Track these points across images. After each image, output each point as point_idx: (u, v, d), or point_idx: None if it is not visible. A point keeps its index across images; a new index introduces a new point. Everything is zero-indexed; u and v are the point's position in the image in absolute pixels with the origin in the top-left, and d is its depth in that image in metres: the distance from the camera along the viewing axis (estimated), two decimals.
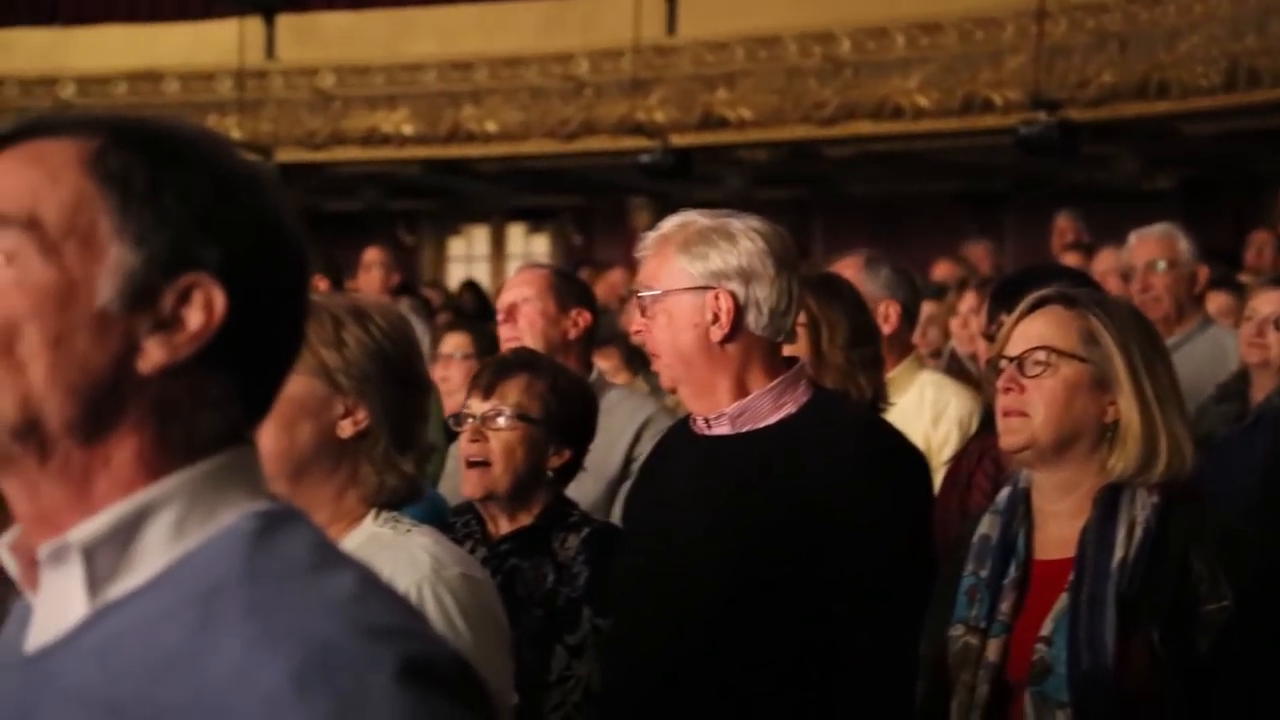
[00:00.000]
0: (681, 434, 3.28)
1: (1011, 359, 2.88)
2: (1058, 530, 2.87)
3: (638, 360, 6.61)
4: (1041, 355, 2.86)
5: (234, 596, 1.23)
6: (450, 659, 1.23)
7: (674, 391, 3.25)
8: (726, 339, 3.12)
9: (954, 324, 6.68)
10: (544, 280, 4.63)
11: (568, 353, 4.46)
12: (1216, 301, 6.88)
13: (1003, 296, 4.01)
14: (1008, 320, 2.98)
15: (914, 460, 3.25)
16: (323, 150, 17.08)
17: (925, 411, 4.75)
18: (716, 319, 3.11)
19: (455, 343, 5.80)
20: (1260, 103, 12.73)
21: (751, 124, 15.44)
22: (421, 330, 7.08)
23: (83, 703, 1.24)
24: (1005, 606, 2.83)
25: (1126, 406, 2.83)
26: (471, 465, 3.55)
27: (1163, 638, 2.72)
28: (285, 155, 16.17)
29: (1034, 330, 2.89)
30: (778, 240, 3.15)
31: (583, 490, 3.76)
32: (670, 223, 3.18)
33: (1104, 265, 7.55)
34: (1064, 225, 10.79)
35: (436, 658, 1.22)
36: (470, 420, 3.57)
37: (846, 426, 3.15)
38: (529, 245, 20.75)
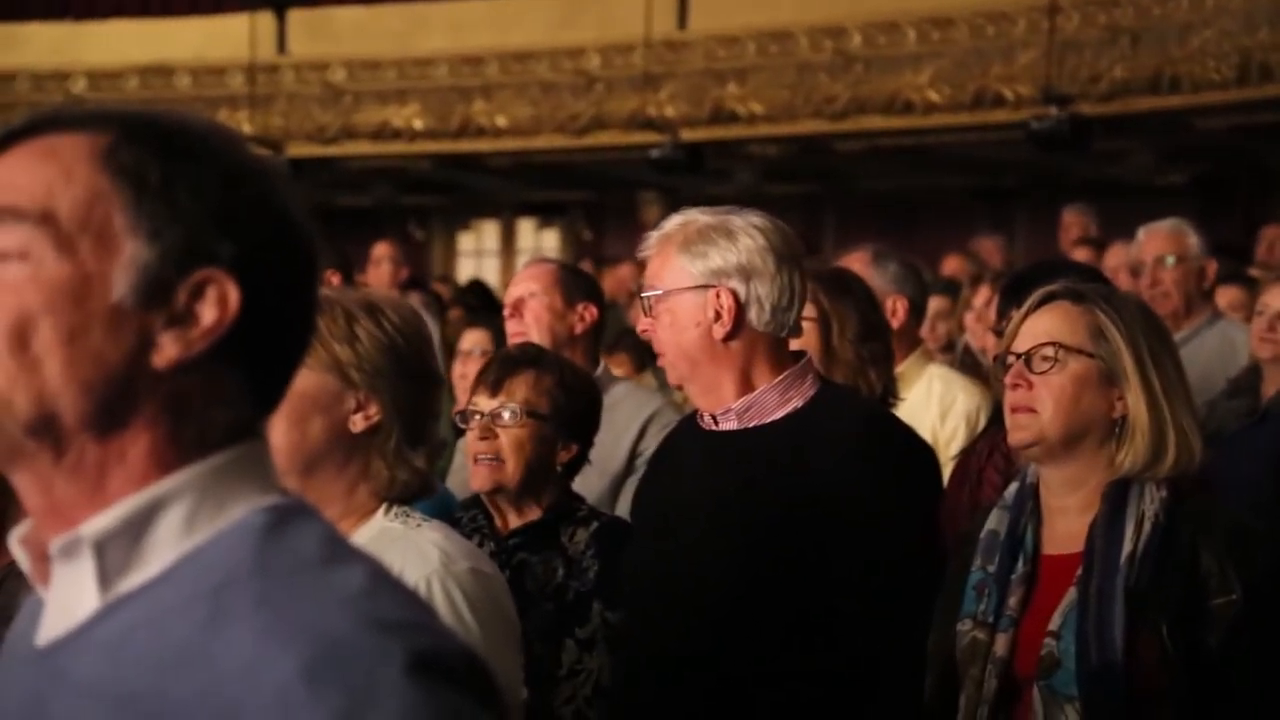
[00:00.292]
0: (689, 430, 3.29)
1: (1019, 355, 2.89)
2: (1066, 525, 2.87)
3: (647, 356, 6.62)
4: (1049, 351, 2.86)
5: (244, 590, 1.24)
6: (460, 653, 1.24)
7: (682, 389, 3.26)
8: (729, 336, 3.13)
9: (968, 318, 6.67)
10: (551, 275, 4.64)
11: (574, 347, 4.47)
12: (1227, 296, 6.87)
13: (1012, 292, 4.01)
14: (1015, 316, 2.98)
15: (922, 454, 3.25)
16: (334, 145, 17.10)
17: (933, 406, 4.75)
18: (719, 317, 3.12)
19: (474, 339, 5.80)
20: (1272, 97, 12.70)
21: (762, 119, 15.44)
22: (432, 325, 7.08)
23: (94, 696, 1.25)
24: (1013, 601, 2.83)
25: (1134, 401, 2.83)
26: (480, 462, 3.55)
27: (1171, 632, 2.72)
28: (296, 150, 16.19)
29: (1041, 326, 2.89)
30: (778, 236, 3.16)
31: (587, 485, 3.76)
32: (672, 222, 3.19)
33: (1115, 260, 7.54)
34: (1072, 220, 10.77)
35: (446, 651, 1.23)
36: (478, 417, 3.57)
37: (853, 420, 3.16)
38: (539, 240, 20.75)
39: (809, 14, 15.29)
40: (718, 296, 3.12)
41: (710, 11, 15.87)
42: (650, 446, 4.39)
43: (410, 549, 2.51)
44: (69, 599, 1.29)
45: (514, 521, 3.56)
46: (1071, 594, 2.78)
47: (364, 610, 1.22)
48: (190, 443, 1.30)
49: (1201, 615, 2.73)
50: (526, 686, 2.87)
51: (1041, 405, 2.85)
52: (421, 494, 2.61)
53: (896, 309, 4.88)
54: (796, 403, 3.15)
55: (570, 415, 3.58)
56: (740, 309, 3.12)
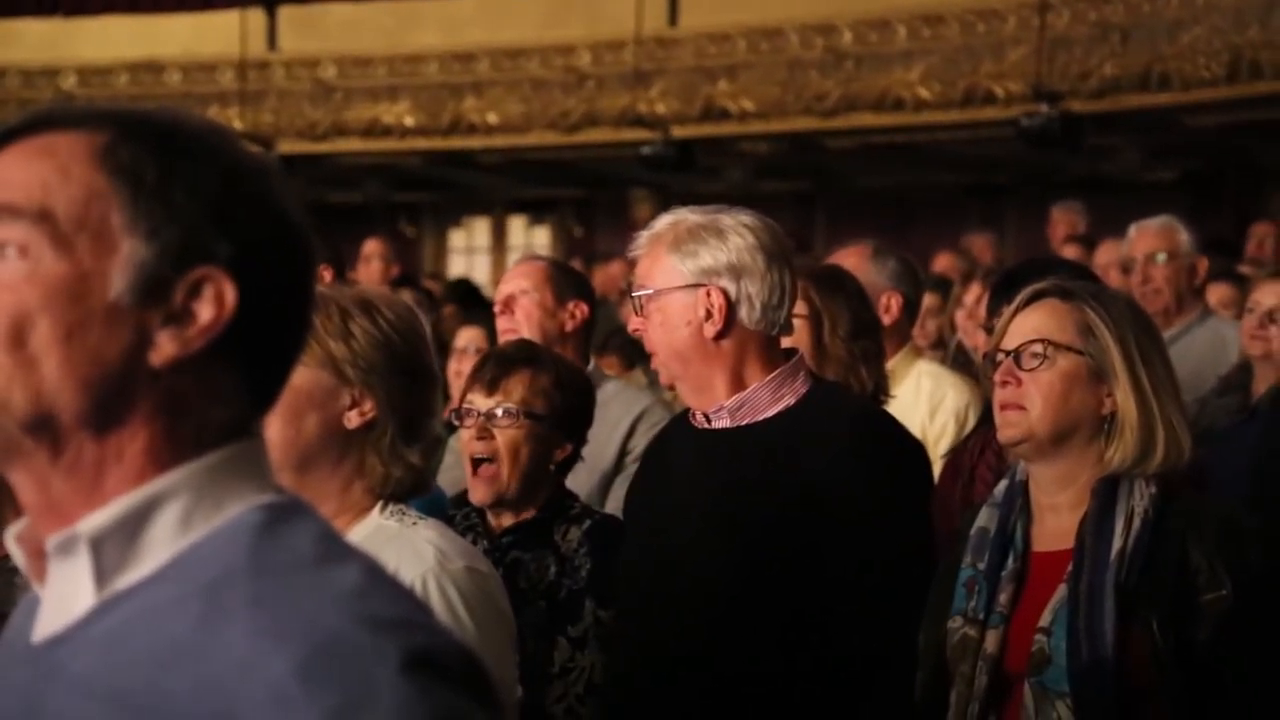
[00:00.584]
0: (681, 428, 3.29)
1: (1008, 352, 2.89)
2: (1056, 522, 2.88)
3: (635, 354, 6.62)
4: (1038, 348, 2.87)
5: (240, 588, 1.24)
6: (455, 651, 1.24)
7: (673, 388, 3.27)
8: (720, 335, 3.13)
9: (959, 315, 6.68)
10: (542, 272, 4.64)
11: (565, 344, 4.47)
12: (1217, 293, 6.88)
13: (1003, 290, 4.02)
14: (1005, 313, 2.99)
15: (914, 452, 3.26)
16: (324, 142, 17.09)
17: (922, 403, 4.75)
18: (709, 315, 3.13)
19: (469, 336, 5.80)
20: (1262, 95, 12.72)
21: (753, 116, 15.44)
22: (424, 322, 7.07)
23: (89, 693, 1.25)
24: (1003, 598, 2.84)
25: (1123, 398, 2.84)
26: (476, 463, 3.54)
27: (1161, 628, 2.72)
28: (287, 146, 16.18)
29: (1030, 323, 2.90)
30: (768, 234, 3.17)
31: (576, 482, 3.76)
32: (662, 221, 3.20)
33: (1106, 257, 7.55)
34: (1061, 217, 10.78)
35: (442, 650, 1.23)
36: (475, 416, 3.57)
37: (846, 418, 3.16)
38: (530, 237, 20.74)
39: (800, 11, 15.30)
40: (708, 295, 3.13)
41: (701, 8, 15.87)
42: (640, 445, 4.40)
43: (406, 547, 2.51)
44: (65, 596, 1.30)
45: (508, 520, 3.55)
46: (1062, 590, 2.78)
47: (359, 608, 1.22)
48: (187, 441, 1.30)
49: (1192, 611, 2.74)
50: (519, 684, 2.87)
51: (1030, 402, 2.85)
52: (416, 491, 2.61)
53: (891, 305, 4.89)
54: (789, 400, 3.16)
55: (566, 414, 3.58)
56: (731, 307, 3.13)
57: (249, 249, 1.31)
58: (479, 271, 19.46)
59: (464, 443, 3.57)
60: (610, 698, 3.33)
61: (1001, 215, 17.13)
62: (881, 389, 4.05)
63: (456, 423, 3.63)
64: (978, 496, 3.65)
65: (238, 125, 16.02)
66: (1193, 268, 6.07)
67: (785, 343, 3.24)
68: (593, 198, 19.81)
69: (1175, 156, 15.99)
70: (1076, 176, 15.75)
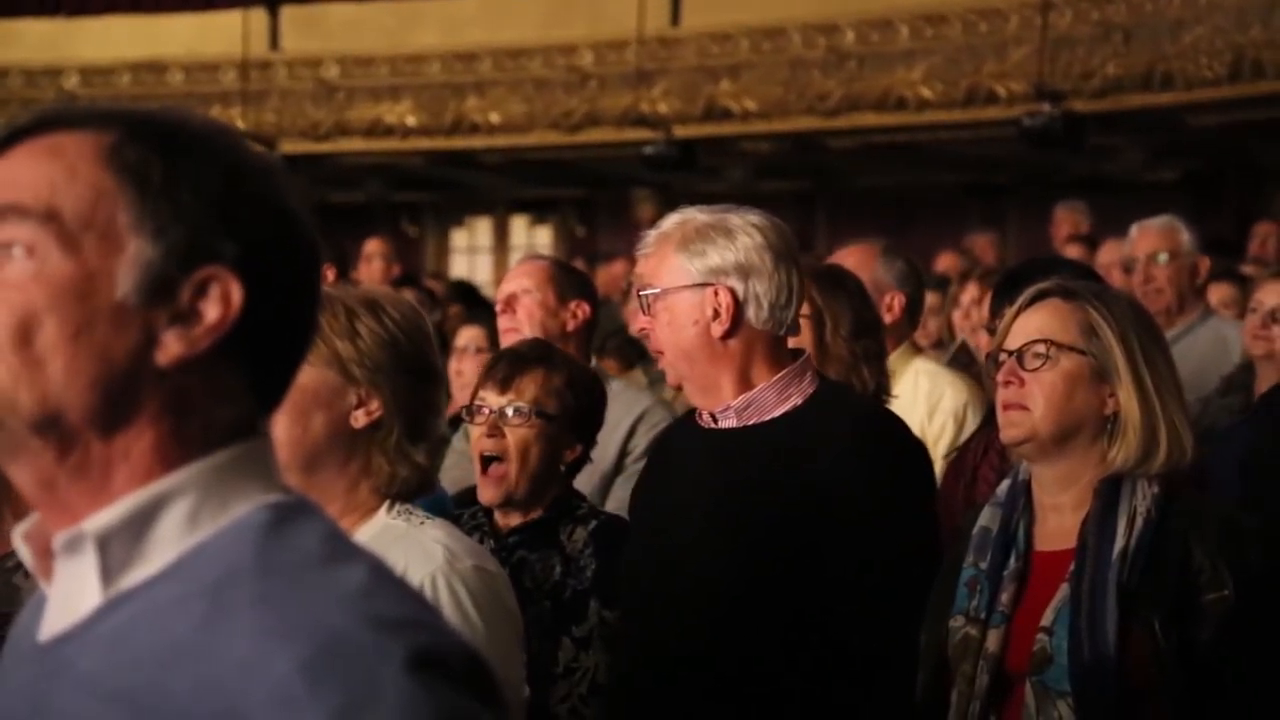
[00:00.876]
0: (687, 428, 3.29)
1: (1011, 352, 2.90)
2: (1058, 522, 2.88)
3: (634, 353, 6.62)
4: (1041, 348, 2.87)
5: (245, 587, 1.24)
6: (461, 651, 1.24)
7: (679, 388, 3.26)
8: (728, 334, 3.13)
9: (956, 316, 6.68)
10: (543, 272, 4.64)
11: (566, 344, 4.47)
12: (1219, 293, 6.88)
13: (1005, 290, 4.02)
14: (1007, 313, 2.99)
15: (918, 451, 3.26)
16: (326, 141, 17.08)
17: (920, 403, 4.75)
18: (717, 315, 3.13)
19: (469, 336, 5.81)
20: (1265, 94, 12.71)
21: (755, 115, 15.44)
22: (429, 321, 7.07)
23: (95, 691, 1.25)
24: (1005, 597, 2.84)
25: (1126, 398, 2.84)
26: (485, 461, 3.54)
27: (1163, 628, 2.72)
28: (289, 146, 16.18)
29: (1033, 323, 2.90)
30: (776, 234, 3.17)
31: (576, 483, 3.77)
32: (670, 221, 3.20)
33: (1108, 257, 7.56)
34: (1064, 217, 10.79)
35: (447, 650, 1.23)
36: (487, 414, 3.57)
37: (853, 418, 3.16)
38: (532, 237, 20.73)
39: (802, 10, 15.29)
40: (716, 295, 3.13)
41: (703, 8, 15.86)
42: (640, 445, 4.40)
43: (414, 546, 2.51)
44: (71, 594, 1.30)
45: (515, 519, 3.55)
46: (1064, 590, 2.79)
47: (364, 608, 1.22)
48: (193, 440, 1.30)
49: (1193, 611, 2.74)
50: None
51: (1033, 402, 2.86)
52: (422, 490, 2.61)
53: (894, 304, 4.89)
54: (796, 400, 3.15)
55: (577, 415, 3.57)
56: (739, 307, 3.13)
57: (255, 248, 1.31)
58: (481, 271, 19.47)
59: (474, 440, 3.57)
60: (613, 697, 3.33)
61: (1003, 215, 17.12)
62: (883, 389, 4.05)
63: (467, 420, 3.63)
64: (980, 497, 3.66)
65: (240, 125, 16.01)
66: (1194, 267, 6.07)
67: (790, 343, 3.25)
68: (595, 197, 19.80)
69: (1177, 156, 15.98)
70: (1078, 176, 15.74)
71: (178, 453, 1.30)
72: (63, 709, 1.27)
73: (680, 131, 15.17)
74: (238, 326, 1.30)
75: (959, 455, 4.17)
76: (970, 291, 6.50)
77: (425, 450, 2.60)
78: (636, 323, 3.25)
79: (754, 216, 3.17)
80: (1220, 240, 9.58)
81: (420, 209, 20.78)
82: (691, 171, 15.20)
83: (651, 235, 3.21)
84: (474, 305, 9.32)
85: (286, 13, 17.59)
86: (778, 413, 3.14)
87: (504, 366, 3.59)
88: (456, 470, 4.21)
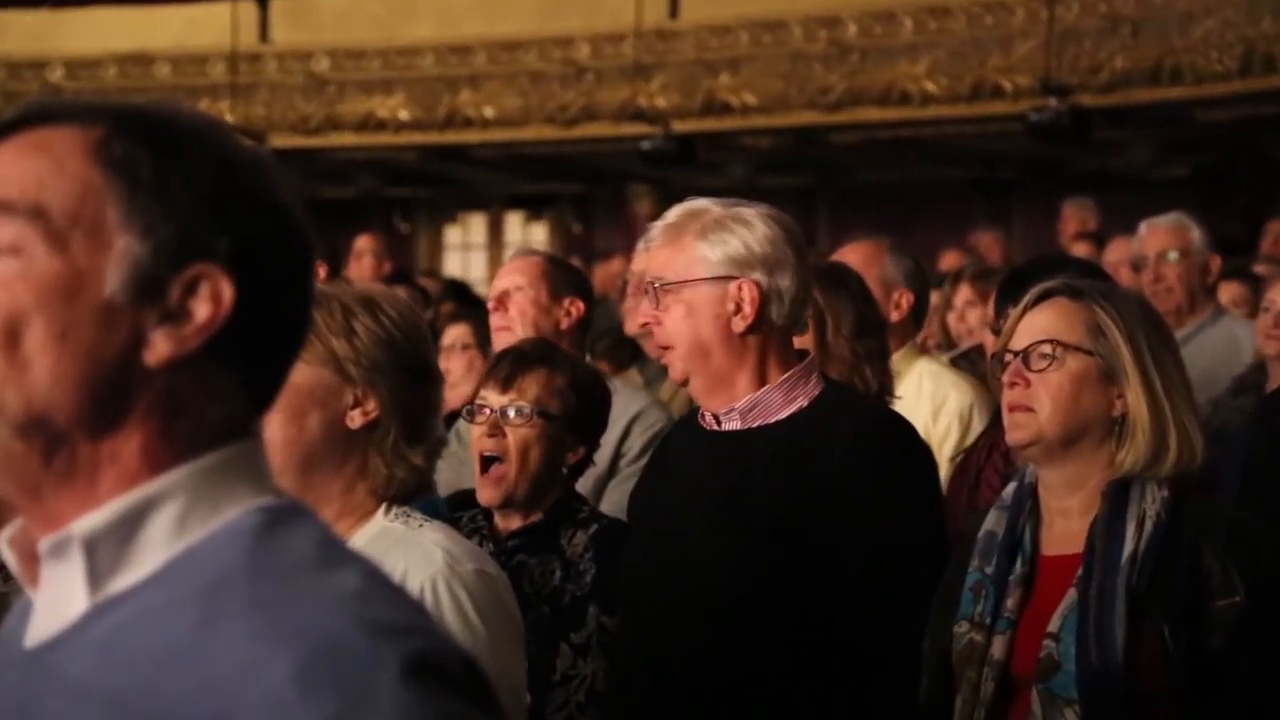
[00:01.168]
0: (689, 429, 3.28)
1: (1016, 353, 2.90)
2: (1065, 526, 2.88)
3: (625, 355, 6.61)
4: (1047, 348, 2.87)
5: (237, 591, 1.24)
6: (458, 657, 1.24)
7: (685, 384, 3.22)
8: (748, 330, 3.12)
9: (950, 318, 6.66)
10: (536, 268, 4.63)
11: (559, 343, 4.47)
12: (1229, 291, 6.88)
13: (1010, 288, 4.02)
14: (1013, 313, 2.99)
15: (925, 454, 3.26)
16: (317, 136, 17.07)
17: (924, 404, 4.75)
18: (738, 309, 3.11)
19: (455, 334, 5.81)
20: (1276, 89, 12.71)
21: (755, 110, 15.43)
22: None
23: (84, 698, 1.25)
24: (1011, 603, 2.84)
25: (1135, 399, 2.84)
26: (485, 462, 3.53)
27: (1173, 633, 2.72)
28: (279, 141, 16.17)
29: (1039, 323, 2.90)
30: (792, 228, 3.17)
31: None
32: (681, 210, 3.17)
33: (1116, 255, 7.55)
34: (1072, 213, 10.79)
35: (443, 655, 1.23)
36: (488, 413, 3.57)
37: (859, 420, 3.15)
38: (527, 234, 20.73)
39: (803, 3, 15.29)
40: (739, 289, 3.11)
41: (702, 0, 15.86)
42: (635, 447, 4.40)
43: (414, 550, 2.52)
44: (58, 600, 1.30)
45: (515, 522, 3.55)
46: (1071, 595, 2.79)
47: (359, 612, 1.22)
48: (183, 441, 1.30)
49: (1203, 617, 2.74)
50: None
51: (1039, 404, 2.86)
52: (419, 493, 2.62)
53: (901, 302, 4.90)
54: (801, 402, 3.14)
55: (580, 416, 3.57)
56: (763, 302, 3.12)
57: (246, 245, 1.31)
58: (475, 269, 19.47)
59: (474, 440, 3.58)
60: (612, 704, 3.33)
61: (1009, 212, 17.13)
62: (886, 389, 4.05)
63: (466, 419, 3.63)
64: (983, 500, 3.66)
65: (229, 119, 15.99)
66: (1205, 266, 6.07)
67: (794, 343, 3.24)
68: (591, 193, 19.80)
69: (1187, 152, 15.99)
70: (1086, 172, 15.74)
71: (167, 454, 1.30)
72: (51, 715, 1.27)
73: (679, 126, 15.18)
74: (229, 325, 1.30)
75: (964, 458, 4.17)
76: (963, 293, 6.47)
77: (423, 451, 2.60)
78: (639, 317, 3.21)
79: (766, 209, 3.16)
80: (1231, 238, 9.58)
81: (413, 205, 20.78)
82: (690, 167, 15.20)
83: (659, 225, 3.17)
84: (466, 304, 9.32)
85: (276, 4, 17.59)
86: (783, 415, 3.13)
87: (506, 365, 3.59)
88: (449, 472, 4.21)
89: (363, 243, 9.03)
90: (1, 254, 1.28)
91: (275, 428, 2.42)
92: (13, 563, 1.35)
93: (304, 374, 2.49)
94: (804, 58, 15.33)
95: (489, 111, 16.56)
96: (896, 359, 4.72)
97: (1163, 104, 13.69)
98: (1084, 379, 2.86)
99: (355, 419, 2.55)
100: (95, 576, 1.28)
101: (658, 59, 15.91)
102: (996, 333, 3.83)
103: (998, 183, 17.47)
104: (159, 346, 1.29)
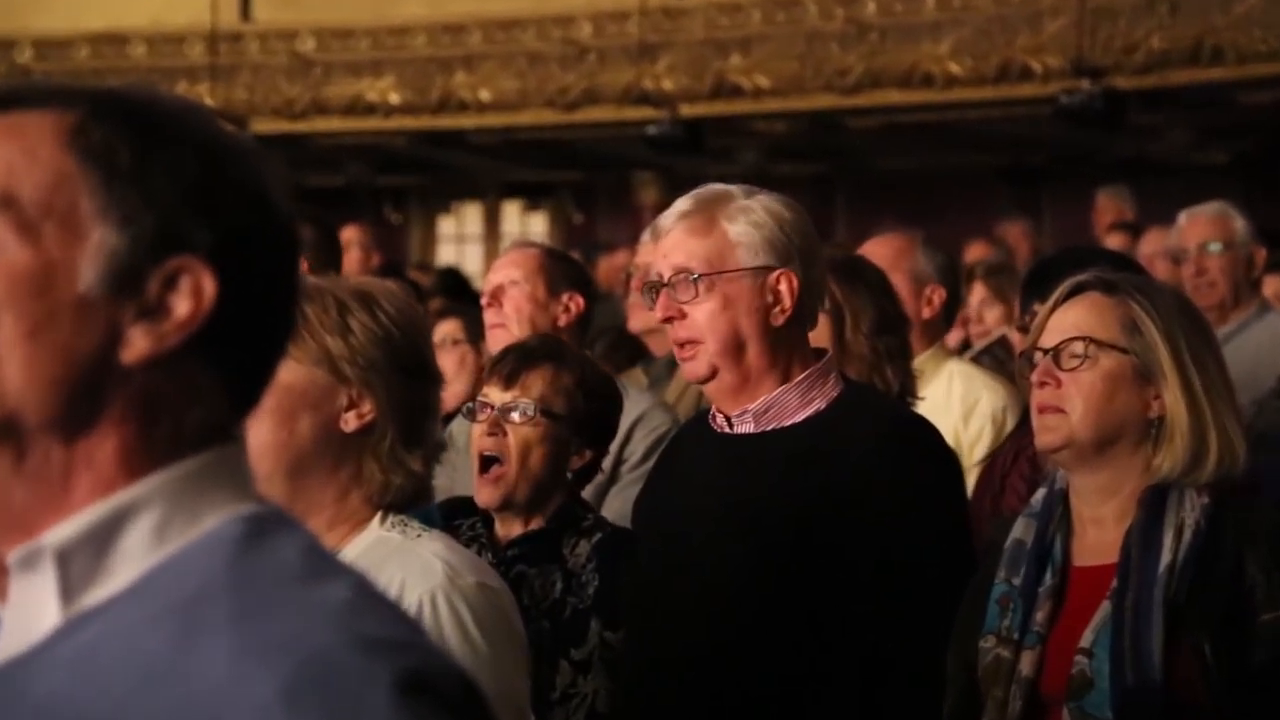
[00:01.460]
0: (699, 432, 3.28)
1: (1046, 351, 2.90)
2: (1099, 535, 2.88)
3: (622, 357, 6.60)
4: (1079, 346, 2.87)
5: (218, 605, 1.24)
6: (452, 673, 1.24)
7: (703, 382, 3.20)
8: (785, 325, 3.12)
9: (966, 318, 6.64)
10: (533, 261, 4.63)
11: None
12: (1274, 285, 6.88)
13: (1037, 283, 4.03)
14: (1041, 309, 2.99)
15: (951, 459, 3.27)
16: (302, 120, 17.06)
17: (955, 406, 4.76)
18: (776, 302, 3.12)
19: (445, 330, 5.82)
20: None
21: (768, 93, 15.42)
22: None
23: (55, 718, 1.25)
24: (1040, 616, 2.85)
25: (1173, 400, 2.84)
26: (485, 462, 3.54)
27: (1214, 649, 2.73)
28: (261, 125, 16.16)
29: (1070, 319, 2.90)
30: (808, 216, 3.19)
31: None
32: (702, 195, 3.16)
33: (1151, 247, 7.55)
34: (1107, 203, 10.80)
35: (437, 672, 1.23)
36: (489, 411, 3.57)
37: (881, 423, 3.16)
38: (525, 224, 20.73)
39: None
40: (778, 279, 3.12)
41: None
42: (638, 451, 4.40)
43: (412, 561, 2.52)
44: (28, 614, 1.29)
45: (516, 530, 3.55)
46: (1105, 608, 2.79)
47: (348, 626, 1.22)
48: (162, 445, 1.30)
49: (1246, 631, 2.75)
50: None
51: (1071, 405, 2.86)
52: (418, 501, 2.62)
53: (933, 299, 4.91)
54: (819, 404, 3.15)
55: (588, 418, 3.57)
56: (802, 295, 3.12)
57: (230, 237, 1.31)
58: (470, 261, 19.46)
59: (474, 439, 3.58)
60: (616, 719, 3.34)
61: (1038, 201, 17.11)
62: (908, 390, 4.06)
63: (467, 418, 3.63)
64: (1009, 508, 3.66)
65: (208, 102, 16.00)
66: (1250, 258, 6.07)
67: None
68: (593, 182, 19.79)
69: (1228, 137, 15.97)
70: (1120, 159, 15.73)
71: (144, 459, 1.30)
72: None
73: (686, 110, 15.16)
74: (210, 322, 1.30)
75: (988, 463, 4.17)
76: (977, 291, 6.46)
77: (422, 456, 2.60)
78: (660, 310, 3.16)
79: (782, 198, 3.17)
80: (1275, 229, 9.57)
81: (404, 194, 20.78)
82: (699, 154, 15.18)
83: (675, 212, 3.16)
84: (460, 296, 9.32)
85: None
86: (799, 417, 3.14)
87: (510, 361, 3.60)
88: (441, 478, 4.20)
89: (350, 234, 9.02)
90: None
91: (265, 431, 2.42)
92: None
93: (296, 374, 2.49)
94: (820, 37, 15.32)
95: (485, 94, 16.55)
96: (924, 359, 4.73)
97: (1203, 86, 13.66)
98: (1118, 378, 2.86)
99: (350, 421, 2.55)
100: (68, 590, 1.28)
101: (664, 38, 15.90)
102: (1023, 330, 3.83)
103: (1026, 171, 17.44)
104: (136, 344, 1.29)
